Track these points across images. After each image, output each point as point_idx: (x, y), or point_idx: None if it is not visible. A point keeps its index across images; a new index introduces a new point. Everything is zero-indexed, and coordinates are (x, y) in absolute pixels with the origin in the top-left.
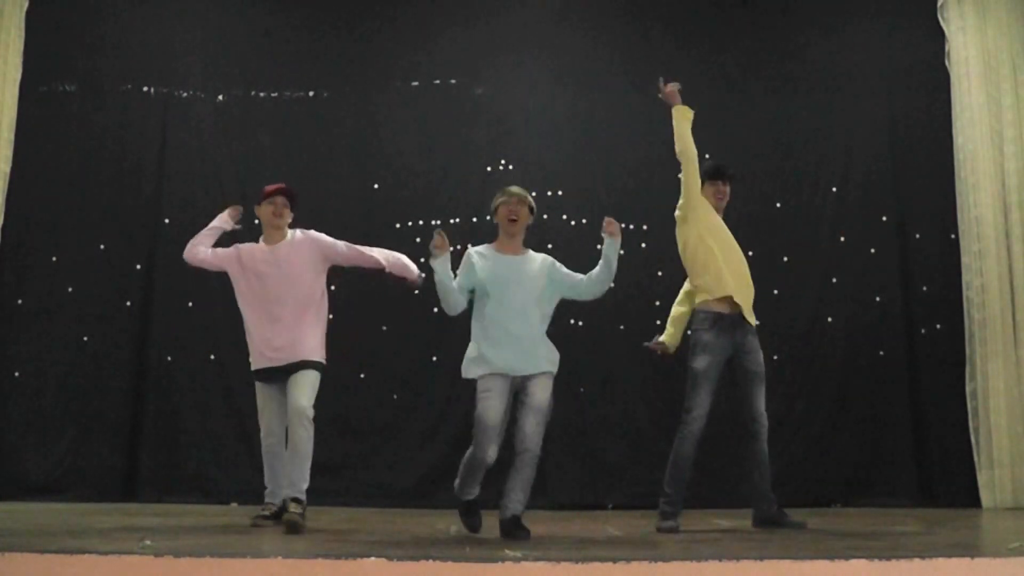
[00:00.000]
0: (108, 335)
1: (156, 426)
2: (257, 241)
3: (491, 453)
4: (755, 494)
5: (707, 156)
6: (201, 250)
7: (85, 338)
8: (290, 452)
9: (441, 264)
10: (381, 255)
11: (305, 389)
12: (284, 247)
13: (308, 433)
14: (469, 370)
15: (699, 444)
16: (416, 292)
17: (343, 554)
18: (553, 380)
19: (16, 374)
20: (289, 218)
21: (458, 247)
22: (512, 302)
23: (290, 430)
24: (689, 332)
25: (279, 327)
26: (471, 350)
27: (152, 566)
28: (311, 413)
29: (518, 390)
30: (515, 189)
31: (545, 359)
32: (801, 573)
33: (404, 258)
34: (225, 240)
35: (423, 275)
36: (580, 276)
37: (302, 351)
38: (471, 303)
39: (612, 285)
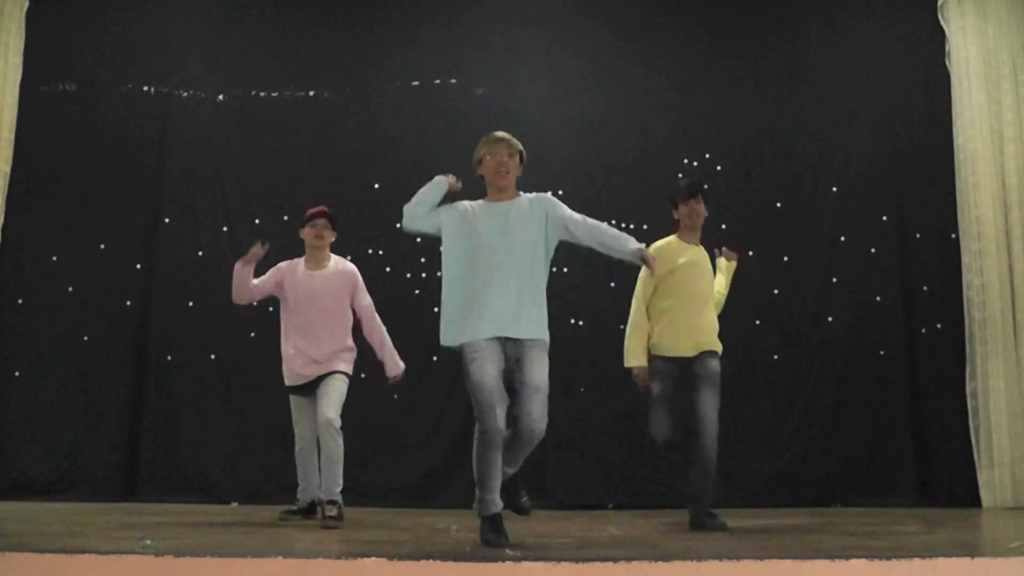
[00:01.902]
0: (108, 335)
1: (156, 426)
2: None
3: (500, 419)
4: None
5: (707, 156)
6: (246, 293)
7: (85, 338)
8: (324, 461)
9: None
10: (380, 341)
11: (333, 400)
12: (323, 276)
13: (337, 442)
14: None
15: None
16: (390, 382)
17: (343, 554)
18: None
19: (16, 374)
20: (331, 239)
21: None
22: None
23: (321, 441)
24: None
25: (317, 343)
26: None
27: (152, 566)
28: (338, 423)
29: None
30: (501, 134)
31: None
32: (801, 573)
33: (396, 356)
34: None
35: (398, 376)
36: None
37: (331, 365)
38: None
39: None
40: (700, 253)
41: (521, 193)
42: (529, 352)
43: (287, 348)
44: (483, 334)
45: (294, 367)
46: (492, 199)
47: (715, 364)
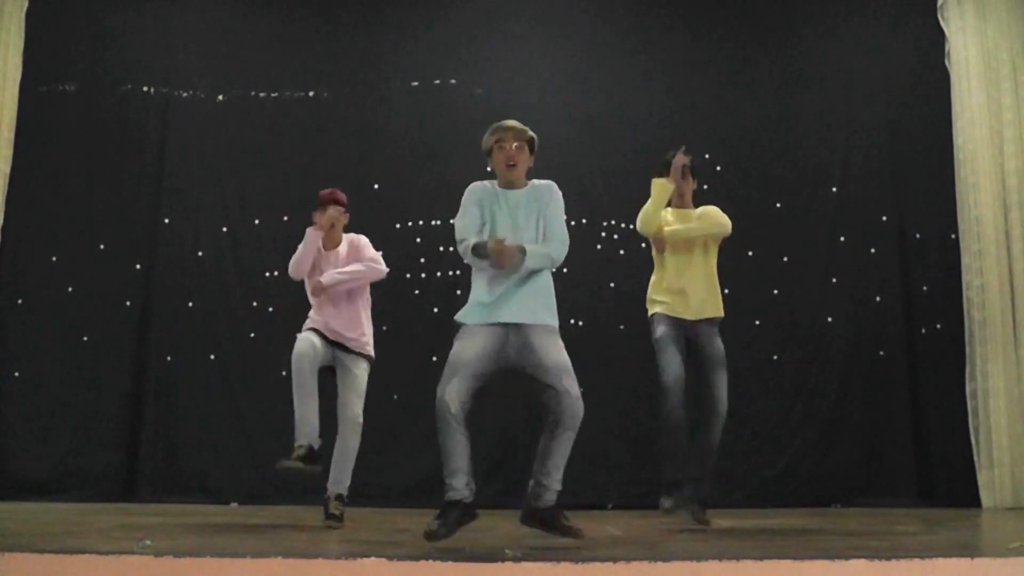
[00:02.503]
0: (108, 335)
1: (156, 426)
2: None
3: (455, 394)
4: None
5: (707, 156)
6: (307, 267)
7: (85, 338)
8: (340, 453)
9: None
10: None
11: (359, 394)
12: (335, 255)
13: (358, 439)
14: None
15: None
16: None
17: (343, 554)
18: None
19: (16, 374)
20: (343, 222)
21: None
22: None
23: (342, 433)
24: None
25: (337, 317)
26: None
27: (152, 566)
28: (361, 419)
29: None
30: (509, 123)
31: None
32: (801, 573)
33: (340, 278)
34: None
35: (319, 285)
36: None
37: (356, 339)
38: None
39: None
40: (690, 215)
41: (533, 181)
42: (539, 338)
43: (314, 316)
44: (484, 319)
45: (319, 324)
46: (504, 187)
47: (719, 342)
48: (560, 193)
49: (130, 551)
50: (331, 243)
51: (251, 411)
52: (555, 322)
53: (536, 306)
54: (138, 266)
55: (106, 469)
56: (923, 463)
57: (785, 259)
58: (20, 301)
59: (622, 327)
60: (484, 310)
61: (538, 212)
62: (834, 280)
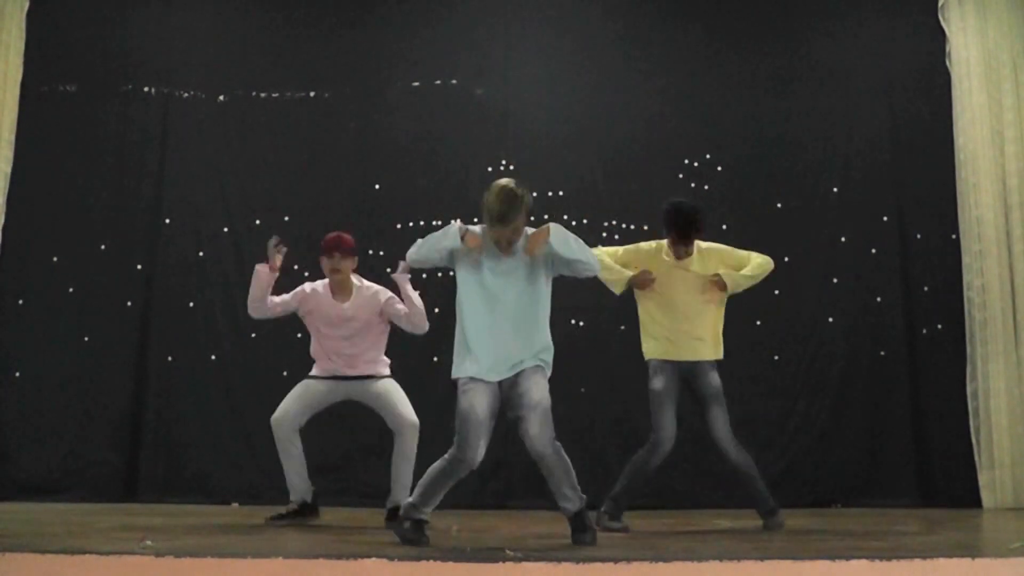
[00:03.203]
0: (108, 335)
1: (157, 426)
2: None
3: (476, 453)
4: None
5: (707, 156)
6: (264, 308)
7: (85, 338)
8: (404, 461)
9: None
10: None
11: (405, 400)
12: (351, 306)
13: (416, 443)
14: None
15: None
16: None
17: (343, 554)
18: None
19: (16, 374)
20: (351, 268)
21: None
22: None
23: (405, 440)
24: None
25: (350, 361)
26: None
27: (152, 566)
28: (416, 420)
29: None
30: (500, 210)
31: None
32: (801, 573)
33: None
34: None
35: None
36: None
37: (373, 368)
38: None
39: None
40: (686, 265)
41: (527, 230)
42: (526, 375)
43: (319, 359)
44: (481, 374)
45: (326, 367)
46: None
47: (717, 377)
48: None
49: (131, 551)
50: (340, 293)
51: (251, 411)
52: (547, 360)
53: (532, 346)
54: (139, 266)
55: (106, 469)
56: (924, 463)
57: (786, 259)
58: (21, 301)
59: (622, 327)
60: (483, 365)
61: (546, 260)
62: (835, 280)
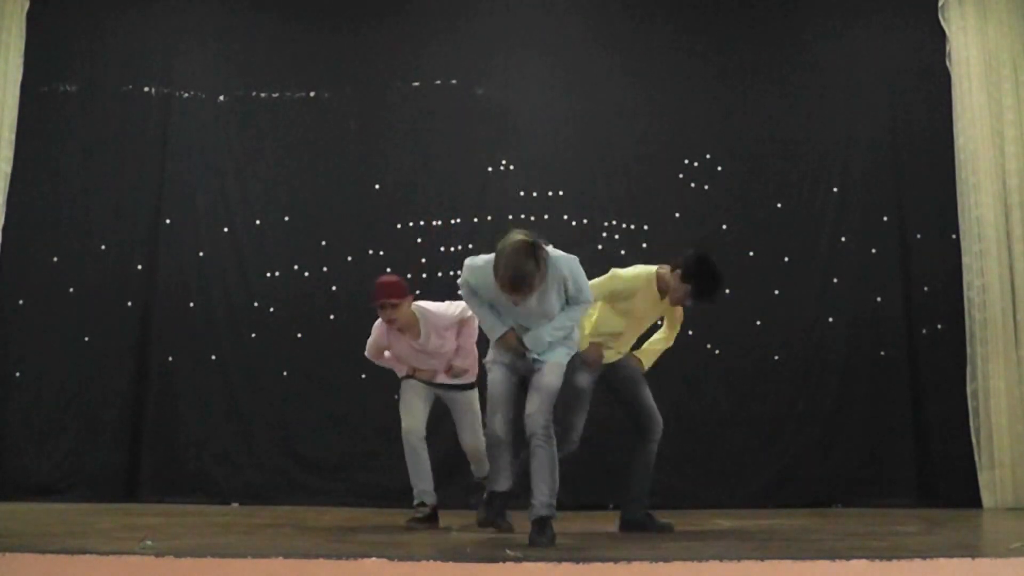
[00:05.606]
0: (108, 335)
1: (157, 426)
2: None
3: (501, 423)
4: (627, 496)
5: (707, 156)
6: (373, 353)
7: (86, 338)
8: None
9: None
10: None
11: (473, 411)
12: (424, 339)
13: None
14: None
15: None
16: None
17: (343, 554)
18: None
19: (16, 374)
20: (405, 310)
21: (459, 247)
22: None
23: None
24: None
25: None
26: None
27: (153, 566)
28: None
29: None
30: (511, 285)
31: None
32: (801, 573)
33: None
34: None
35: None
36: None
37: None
38: None
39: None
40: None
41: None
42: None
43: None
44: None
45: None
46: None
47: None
48: (569, 265)
49: (131, 551)
50: (411, 332)
51: (251, 411)
52: (565, 353)
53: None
54: (139, 266)
55: (107, 469)
56: (924, 463)
57: (786, 259)
58: (21, 301)
59: None
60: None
61: (561, 289)
62: (835, 280)
